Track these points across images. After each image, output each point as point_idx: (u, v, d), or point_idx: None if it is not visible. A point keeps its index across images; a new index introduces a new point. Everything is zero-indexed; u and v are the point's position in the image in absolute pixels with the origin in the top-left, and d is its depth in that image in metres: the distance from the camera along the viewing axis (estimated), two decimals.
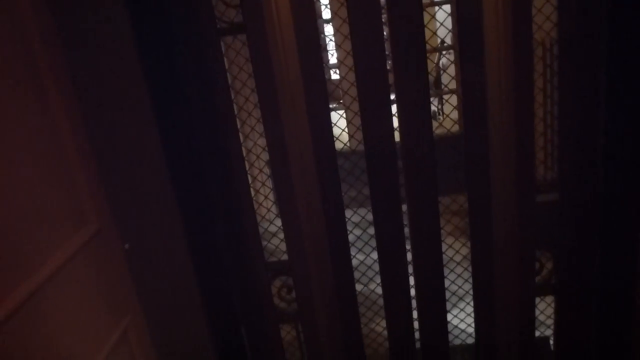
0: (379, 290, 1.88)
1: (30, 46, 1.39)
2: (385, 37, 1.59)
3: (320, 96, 1.62)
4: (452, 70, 4.55)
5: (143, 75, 1.54)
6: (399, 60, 1.59)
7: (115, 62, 1.53)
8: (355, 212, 1.94)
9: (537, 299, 1.83)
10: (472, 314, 1.87)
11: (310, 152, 1.66)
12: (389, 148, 1.69)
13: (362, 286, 2.04)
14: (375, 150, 1.69)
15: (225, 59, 1.63)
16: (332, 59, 7.93)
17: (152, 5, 1.56)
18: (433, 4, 3.69)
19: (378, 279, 1.87)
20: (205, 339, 1.87)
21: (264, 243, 1.84)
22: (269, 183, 1.70)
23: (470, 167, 1.68)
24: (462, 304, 2.15)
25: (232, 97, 1.69)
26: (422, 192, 1.72)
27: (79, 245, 1.51)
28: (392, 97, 1.63)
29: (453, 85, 4.35)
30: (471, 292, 1.85)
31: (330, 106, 1.67)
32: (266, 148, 1.67)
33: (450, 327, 1.92)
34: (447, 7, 3.66)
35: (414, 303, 1.86)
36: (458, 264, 2.10)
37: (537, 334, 1.91)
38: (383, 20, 1.58)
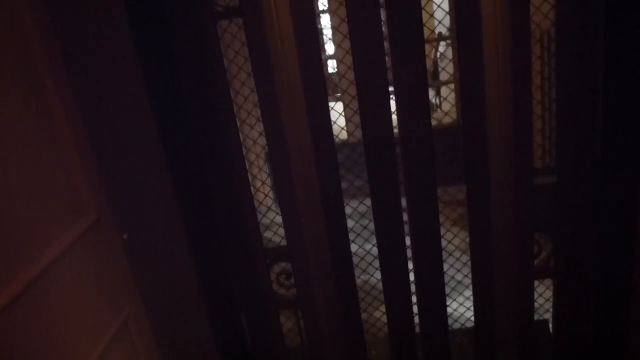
0: (378, 275, 1.88)
1: (24, 29, 1.38)
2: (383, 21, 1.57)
3: (318, 81, 1.60)
4: (450, 64, 4.54)
5: (139, 62, 1.52)
6: (396, 50, 1.58)
7: (110, 47, 1.51)
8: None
9: (536, 282, 1.84)
10: (471, 298, 1.88)
11: (309, 138, 1.65)
12: (388, 138, 1.68)
13: (360, 271, 2.04)
14: (374, 140, 1.68)
15: (221, 43, 1.61)
16: (330, 49, 7.88)
17: None
18: None
19: (377, 265, 1.87)
20: (205, 327, 1.87)
21: (262, 230, 1.84)
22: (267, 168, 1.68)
23: (469, 154, 1.68)
24: (461, 288, 2.15)
25: (229, 83, 1.68)
26: (420, 181, 1.72)
27: (77, 236, 1.50)
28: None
29: (450, 79, 4.34)
30: (470, 276, 1.85)
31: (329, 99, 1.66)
32: (263, 133, 1.66)
33: (449, 311, 1.93)
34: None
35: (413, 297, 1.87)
36: (457, 247, 2.11)
37: (536, 317, 1.92)
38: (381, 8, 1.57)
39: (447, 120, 4.39)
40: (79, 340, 1.47)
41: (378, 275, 1.88)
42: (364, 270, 2.05)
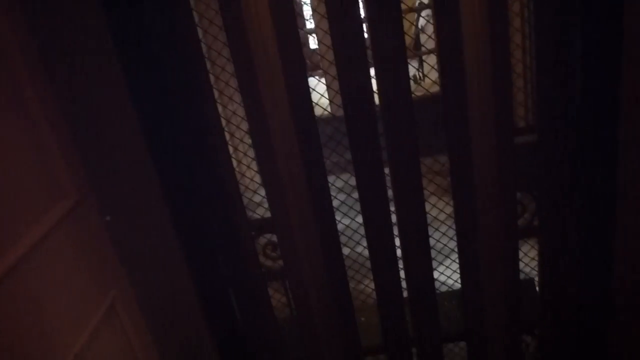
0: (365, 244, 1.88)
1: None
2: None
3: (296, 56, 1.58)
4: (430, 32, 4.50)
5: (111, 34, 1.49)
6: (374, 21, 1.56)
7: (80, 18, 1.47)
8: (338, 177, 1.94)
9: (521, 242, 1.85)
10: (457, 260, 1.89)
11: (289, 110, 1.63)
12: (368, 110, 1.66)
13: (353, 244, 2.04)
14: (355, 113, 1.67)
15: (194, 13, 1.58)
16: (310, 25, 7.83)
17: None
18: None
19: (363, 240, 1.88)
20: (193, 305, 1.87)
21: (246, 201, 1.83)
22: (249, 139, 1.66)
23: (450, 119, 1.67)
24: (446, 251, 2.16)
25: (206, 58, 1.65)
26: (403, 152, 1.71)
27: (57, 219, 1.47)
28: None
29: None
30: (456, 239, 1.86)
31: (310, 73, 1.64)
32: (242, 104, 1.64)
33: (436, 275, 1.94)
34: None
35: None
36: (441, 209, 2.11)
37: (522, 276, 1.94)
38: None
39: (431, 91, 4.36)
40: (65, 324, 1.45)
41: (365, 251, 1.89)
42: (358, 242, 2.05)
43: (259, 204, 1.93)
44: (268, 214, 1.80)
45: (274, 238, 1.85)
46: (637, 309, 1.82)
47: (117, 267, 1.77)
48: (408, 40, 5.65)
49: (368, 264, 1.89)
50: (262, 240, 1.89)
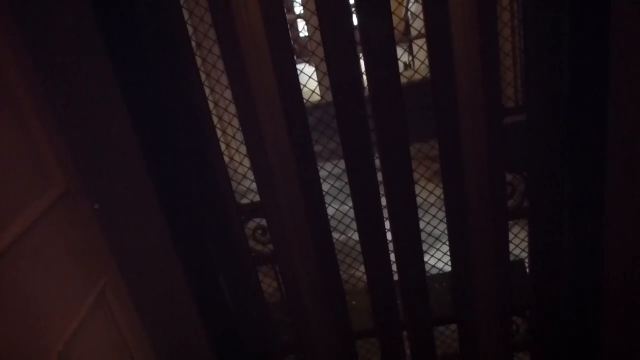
0: (357, 236, 1.88)
1: None
2: None
3: (284, 44, 1.56)
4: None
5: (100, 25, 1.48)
6: (363, 5, 1.55)
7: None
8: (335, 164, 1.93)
9: (511, 223, 1.85)
10: (448, 243, 1.89)
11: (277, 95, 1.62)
12: (358, 96, 1.65)
13: (344, 228, 2.04)
14: (344, 99, 1.66)
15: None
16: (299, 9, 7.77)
17: None
18: None
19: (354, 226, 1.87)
20: (183, 290, 1.87)
21: (235, 186, 1.81)
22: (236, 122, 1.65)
23: (439, 103, 1.66)
24: (437, 233, 2.16)
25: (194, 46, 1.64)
26: (393, 137, 1.71)
27: (46, 207, 1.47)
28: None
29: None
30: (446, 222, 1.86)
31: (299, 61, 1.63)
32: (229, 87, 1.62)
33: (426, 258, 1.94)
34: None
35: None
36: (431, 191, 2.10)
37: (512, 258, 1.94)
38: None
39: (418, 77, 4.35)
40: (55, 311, 1.45)
41: (356, 236, 1.88)
42: (348, 226, 2.04)
43: (249, 188, 1.91)
44: (258, 198, 1.79)
45: (264, 222, 1.84)
46: (627, 290, 1.83)
47: (107, 255, 1.76)
48: (401, 24, 5.62)
49: (359, 247, 1.89)
50: (252, 224, 1.88)
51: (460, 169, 1.73)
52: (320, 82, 1.84)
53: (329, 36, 1.58)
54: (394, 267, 1.91)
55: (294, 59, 1.62)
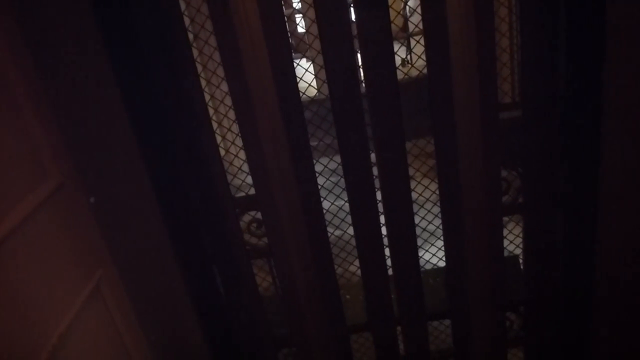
0: (351, 231, 1.88)
1: None
2: None
3: (281, 38, 1.56)
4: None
5: (97, 19, 1.47)
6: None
7: None
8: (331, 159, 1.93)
9: (506, 219, 1.85)
10: (442, 238, 1.89)
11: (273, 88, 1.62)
12: (354, 90, 1.65)
13: (339, 221, 2.04)
14: (341, 94, 1.65)
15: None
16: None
17: None
18: None
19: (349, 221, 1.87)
20: (178, 282, 1.86)
21: (230, 178, 1.81)
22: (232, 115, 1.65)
23: (434, 98, 1.66)
24: (431, 228, 2.16)
25: (191, 38, 1.63)
26: (388, 133, 1.71)
27: (40, 200, 1.46)
28: None
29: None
30: (440, 217, 1.86)
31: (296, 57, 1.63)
32: (224, 78, 1.61)
33: (421, 253, 1.94)
34: None
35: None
36: (426, 186, 2.11)
37: (507, 254, 1.95)
38: None
39: (415, 73, 4.35)
40: (49, 304, 1.44)
41: (351, 230, 1.88)
42: (343, 220, 2.04)
43: (244, 181, 1.91)
44: (253, 191, 1.78)
45: (259, 215, 1.84)
46: (620, 287, 1.84)
47: (103, 248, 1.75)
48: (399, 19, 5.62)
49: (353, 242, 1.89)
50: (247, 217, 1.88)
51: (456, 165, 1.73)
52: (316, 75, 1.84)
53: (326, 30, 1.58)
54: (389, 262, 1.91)
55: (290, 51, 1.61)
